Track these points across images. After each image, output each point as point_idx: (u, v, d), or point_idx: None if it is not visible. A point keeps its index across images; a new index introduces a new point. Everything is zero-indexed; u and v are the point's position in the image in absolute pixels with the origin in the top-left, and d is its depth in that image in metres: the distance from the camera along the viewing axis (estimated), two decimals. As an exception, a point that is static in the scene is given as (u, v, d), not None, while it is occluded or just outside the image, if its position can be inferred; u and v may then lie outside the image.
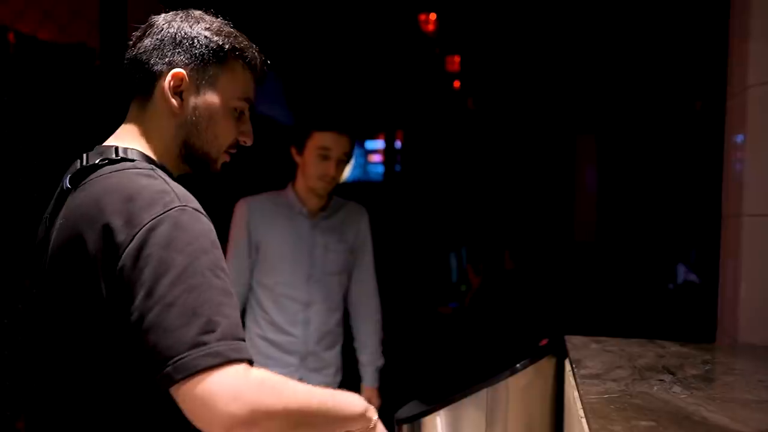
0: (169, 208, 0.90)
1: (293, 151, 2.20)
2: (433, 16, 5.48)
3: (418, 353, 4.33)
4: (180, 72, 1.05)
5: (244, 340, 0.88)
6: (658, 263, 5.89)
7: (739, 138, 1.84)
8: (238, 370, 0.83)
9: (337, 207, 2.30)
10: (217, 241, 0.94)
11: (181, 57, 1.05)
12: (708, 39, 2.29)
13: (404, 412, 1.67)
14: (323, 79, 6.52)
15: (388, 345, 2.49)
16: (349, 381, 2.35)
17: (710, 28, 2.21)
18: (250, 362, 0.87)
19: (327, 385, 2.12)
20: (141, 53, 1.06)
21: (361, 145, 8.06)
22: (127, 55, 1.09)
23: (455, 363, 1.93)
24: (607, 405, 1.06)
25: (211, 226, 0.94)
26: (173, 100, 1.05)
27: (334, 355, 2.29)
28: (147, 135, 1.08)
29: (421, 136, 8.08)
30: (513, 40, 5.95)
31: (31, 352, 1.04)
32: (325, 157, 2.12)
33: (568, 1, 4.97)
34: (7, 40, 3.46)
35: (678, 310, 4.81)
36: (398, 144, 8.17)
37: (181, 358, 0.80)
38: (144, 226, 0.87)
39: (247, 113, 1.15)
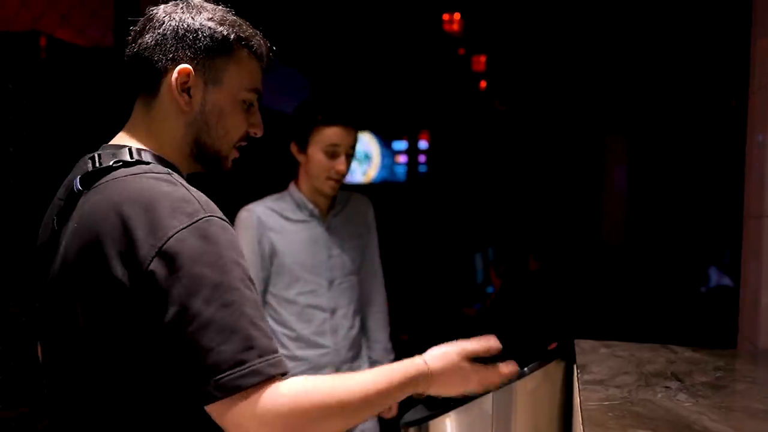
0: (195, 219, 0.87)
1: (294, 148, 2.06)
2: (457, 16, 5.45)
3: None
4: (186, 68, 1.00)
5: (277, 351, 0.87)
6: (690, 266, 5.75)
7: (760, 136, 1.79)
8: (277, 388, 0.84)
9: (343, 201, 2.16)
10: (242, 248, 0.92)
11: (186, 51, 1.00)
12: (737, 36, 2.22)
13: (411, 416, 1.65)
14: (349, 79, 6.53)
15: (410, 344, 2.41)
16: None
17: (738, 25, 2.15)
18: (286, 373, 0.88)
19: None
20: (142, 50, 1.01)
21: (388, 146, 8.05)
22: (128, 52, 1.04)
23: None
24: (606, 412, 1.03)
25: (236, 235, 0.93)
26: (181, 98, 1.01)
27: (365, 361, 2.17)
28: (156, 135, 1.03)
29: (447, 136, 8.04)
30: (539, 39, 5.88)
31: (49, 356, 1.02)
32: (333, 154, 1.98)
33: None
34: (38, 45, 3.55)
35: (709, 314, 4.69)
36: (423, 144, 8.14)
37: (223, 377, 0.81)
38: (170, 238, 0.85)
39: (256, 104, 1.10)
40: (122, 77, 1.08)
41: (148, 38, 1.01)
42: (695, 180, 6.28)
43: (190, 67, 1.00)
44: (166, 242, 0.84)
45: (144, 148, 1.01)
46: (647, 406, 1.06)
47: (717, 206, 5.73)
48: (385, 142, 7.99)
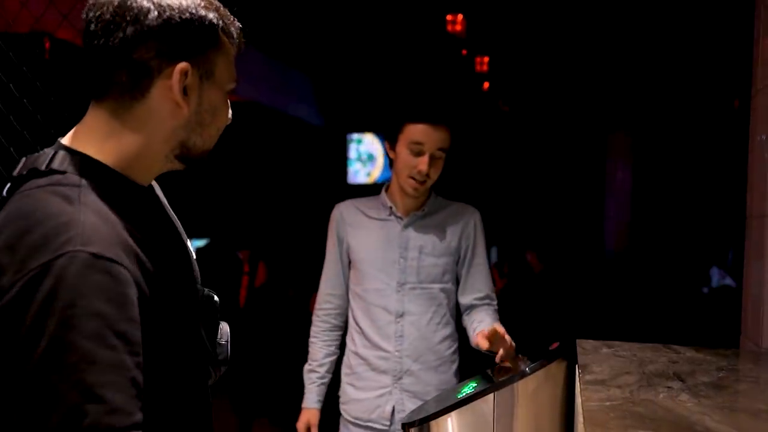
0: (59, 254, 0.75)
1: (387, 146, 2.00)
2: (460, 17, 5.45)
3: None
4: (184, 65, 0.89)
5: (124, 428, 0.74)
6: (692, 266, 5.74)
7: (763, 136, 1.78)
8: None
9: (437, 207, 2.03)
10: (129, 294, 0.79)
11: (179, 47, 0.89)
12: (740, 36, 2.21)
13: (412, 415, 1.64)
14: (351, 79, 6.53)
15: None
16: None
17: (741, 25, 2.14)
18: None
19: None
20: (124, 44, 0.86)
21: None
22: (95, 42, 0.88)
23: (471, 364, 1.86)
24: (607, 412, 1.02)
25: (118, 278, 0.78)
26: (179, 98, 0.90)
27: (441, 381, 1.96)
28: (120, 136, 0.90)
29: (450, 136, 8.03)
30: (541, 40, 5.87)
31: None
32: (417, 153, 1.89)
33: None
34: (43, 46, 3.56)
35: (711, 314, 4.67)
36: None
37: None
38: (28, 274, 0.75)
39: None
40: (83, 74, 0.92)
41: (131, 31, 0.86)
42: (698, 180, 6.26)
43: (187, 64, 0.90)
44: (23, 277, 0.75)
45: (84, 151, 0.89)
46: (649, 407, 1.06)
47: (720, 206, 5.71)
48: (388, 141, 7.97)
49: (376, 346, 1.95)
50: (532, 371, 1.50)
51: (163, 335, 0.87)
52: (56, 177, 0.85)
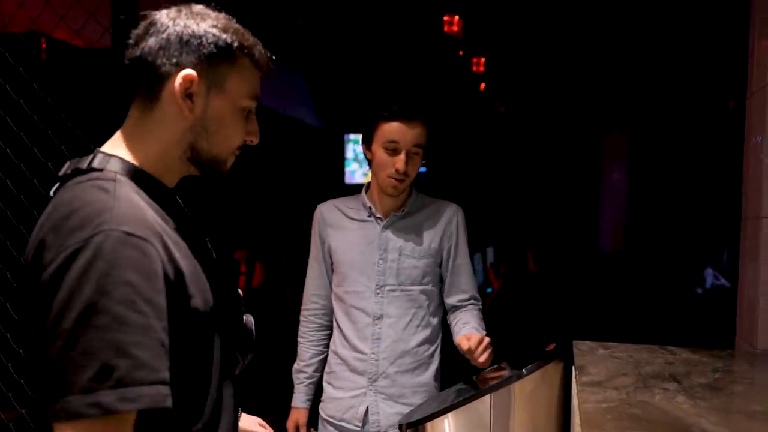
0: (96, 232, 0.86)
1: (363, 147, 1.98)
2: (456, 17, 5.46)
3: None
4: (190, 74, 1.00)
5: (150, 383, 0.83)
6: (687, 267, 5.76)
7: (758, 138, 1.79)
8: (124, 424, 0.83)
9: (418, 206, 2.01)
10: (156, 269, 0.89)
11: (190, 57, 1.00)
12: (735, 38, 2.22)
13: (409, 416, 1.65)
14: (349, 80, 6.54)
15: None
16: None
17: (737, 26, 2.15)
18: (161, 403, 0.85)
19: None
20: (146, 53, 1.01)
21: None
22: (129, 55, 1.04)
23: (467, 365, 1.85)
24: (604, 414, 1.03)
25: (148, 253, 0.88)
26: (184, 103, 1.00)
27: (418, 383, 1.95)
28: (145, 139, 1.03)
29: (446, 137, 8.05)
30: (538, 41, 5.88)
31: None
32: (393, 151, 1.88)
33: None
34: (39, 46, 3.54)
35: (707, 315, 4.69)
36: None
37: (70, 400, 0.81)
38: (67, 249, 0.85)
39: (253, 111, 1.10)
40: (121, 80, 1.07)
41: (152, 42, 1.01)
42: (693, 181, 6.28)
43: (194, 72, 1.00)
44: (62, 252, 0.85)
45: (117, 153, 1.01)
46: (645, 408, 1.06)
47: (715, 207, 5.73)
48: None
49: (354, 348, 1.95)
50: (529, 372, 1.50)
51: (184, 321, 0.94)
52: (95, 174, 0.97)
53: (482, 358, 1.72)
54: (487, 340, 1.75)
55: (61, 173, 1.01)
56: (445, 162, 7.97)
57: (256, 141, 1.11)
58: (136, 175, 1.00)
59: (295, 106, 7.75)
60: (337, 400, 1.97)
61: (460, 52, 6.07)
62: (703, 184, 6.06)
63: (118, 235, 0.86)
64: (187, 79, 0.99)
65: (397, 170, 1.87)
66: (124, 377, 0.81)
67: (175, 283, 0.92)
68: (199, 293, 0.98)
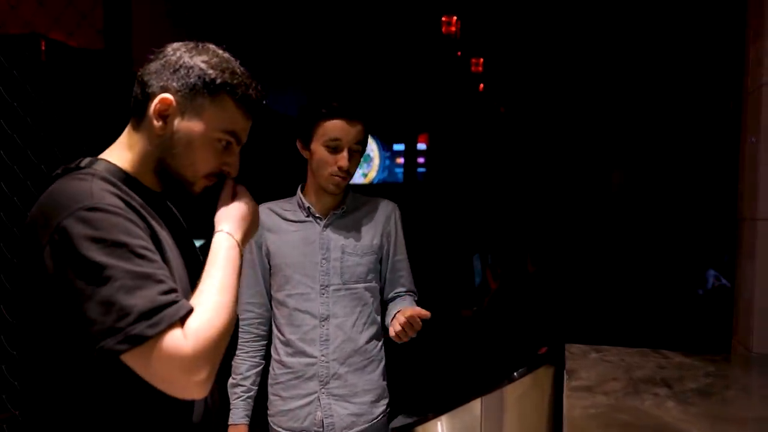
0: (78, 206, 0.98)
1: (299, 145, 1.94)
2: (454, 18, 5.44)
3: (435, 356, 4.27)
4: (167, 98, 1.11)
5: (167, 304, 0.94)
6: (687, 268, 5.72)
7: (754, 138, 1.77)
8: (147, 348, 0.93)
9: (356, 205, 1.99)
10: (136, 230, 1.01)
11: (174, 83, 1.12)
12: (731, 39, 2.20)
13: (398, 421, 1.63)
14: (347, 81, 6.52)
15: (409, 345, 2.22)
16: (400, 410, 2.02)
17: (732, 28, 2.13)
18: (182, 319, 0.95)
19: (363, 415, 1.86)
20: (146, 74, 1.14)
21: (388, 148, 8.03)
22: (138, 74, 1.17)
23: (458, 369, 1.83)
24: (591, 420, 1.01)
25: (127, 220, 1.01)
26: (156, 122, 1.12)
27: (368, 381, 1.92)
28: (130, 148, 1.16)
29: (445, 138, 8.03)
30: (536, 41, 5.86)
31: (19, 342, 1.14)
32: (334, 149, 1.86)
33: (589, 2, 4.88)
34: (38, 48, 3.53)
35: (706, 317, 4.66)
36: (422, 146, 8.12)
37: (107, 341, 0.92)
38: (56, 226, 0.97)
39: (235, 146, 1.19)
40: (114, 82, 1.15)
41: (153, 66, 1.14)
42: (695, 182, 6.25)
43: (172, 97, 1.11)
44: (53, 230, 0.97)
45: (105, 157, 1.14)
46: (634, 414, 1.04)
47: (716, 208, 5.70)
48: (384, 144, 7.98)
49: (302, 353, 1.90)
50: (520, 376, 1.49)
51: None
52: (78, 171, 1.10)
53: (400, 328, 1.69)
54: (423, 313, 1.70)
55: (53, 174, 1.12)
56: (444, 162, 7.96)
57: (233, 173, 1.21)
58: (119, 174, 1.12)
59: (294, 106, 7.72)
60: (291, 411, 1.90)
61: (459, 53, 6.04)
62: (705, 185, 6.03)
63: (101, 206, 0.99)
64: (164, 102, 1.11)
65: (340, 168, 1.85)
66: (141, 312, 0.93)
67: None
68: (180, 286, 1.03)
